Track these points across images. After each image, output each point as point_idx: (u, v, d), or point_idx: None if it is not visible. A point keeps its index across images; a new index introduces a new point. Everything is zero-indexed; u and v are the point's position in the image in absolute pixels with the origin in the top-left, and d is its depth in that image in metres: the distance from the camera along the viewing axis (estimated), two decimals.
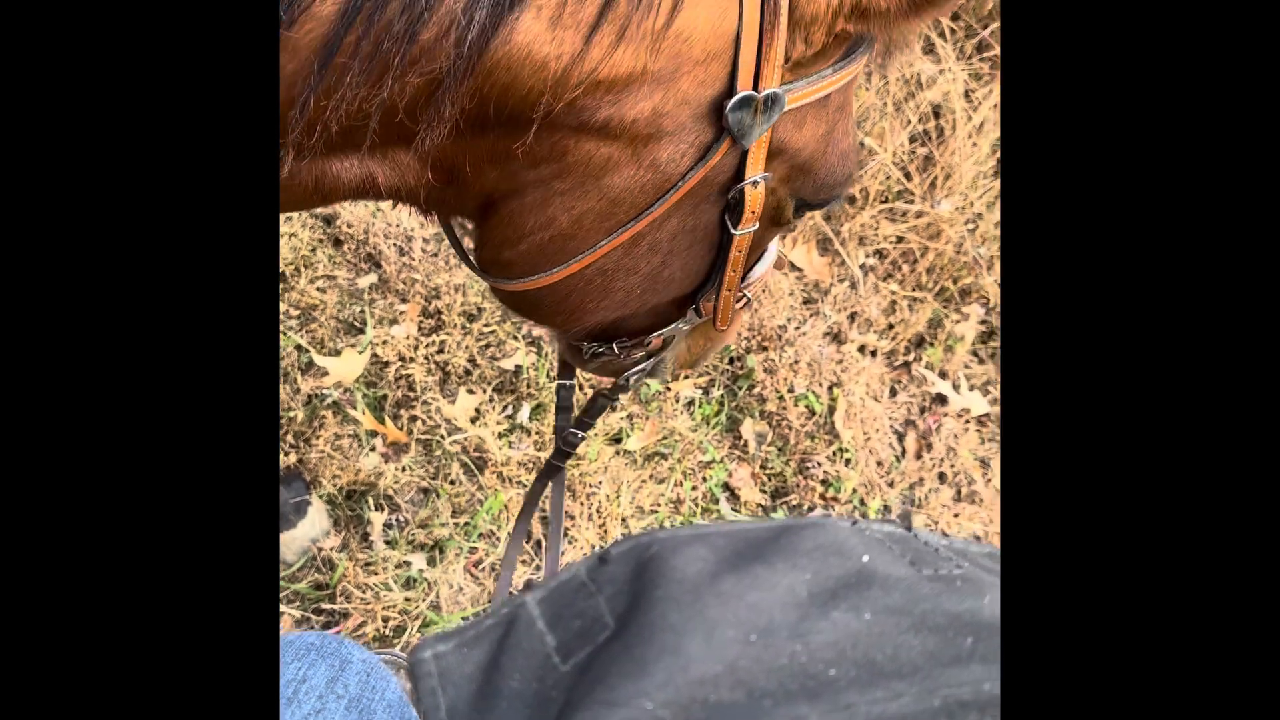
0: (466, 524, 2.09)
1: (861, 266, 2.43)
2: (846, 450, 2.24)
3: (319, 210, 2.34)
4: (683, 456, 2.19)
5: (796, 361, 2.31)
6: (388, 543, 2.07)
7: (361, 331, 2.26)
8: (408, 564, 2.04)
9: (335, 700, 0.78)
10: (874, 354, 2.37)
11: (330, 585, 2.01)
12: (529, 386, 2.22)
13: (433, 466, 2.14)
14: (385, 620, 1.99)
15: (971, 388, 2.36)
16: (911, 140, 2.47)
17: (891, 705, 0.34)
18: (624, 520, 2.11)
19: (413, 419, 2.18)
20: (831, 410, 2.27)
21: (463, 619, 2.00)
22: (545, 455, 2.16)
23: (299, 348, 2.21)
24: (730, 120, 0.76)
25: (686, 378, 2.23)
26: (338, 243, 2.36)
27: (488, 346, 2.26)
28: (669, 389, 2.25)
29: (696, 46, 0.72)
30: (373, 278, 2.33)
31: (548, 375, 2.22)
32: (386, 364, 2.23)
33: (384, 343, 2.24)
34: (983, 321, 2.43)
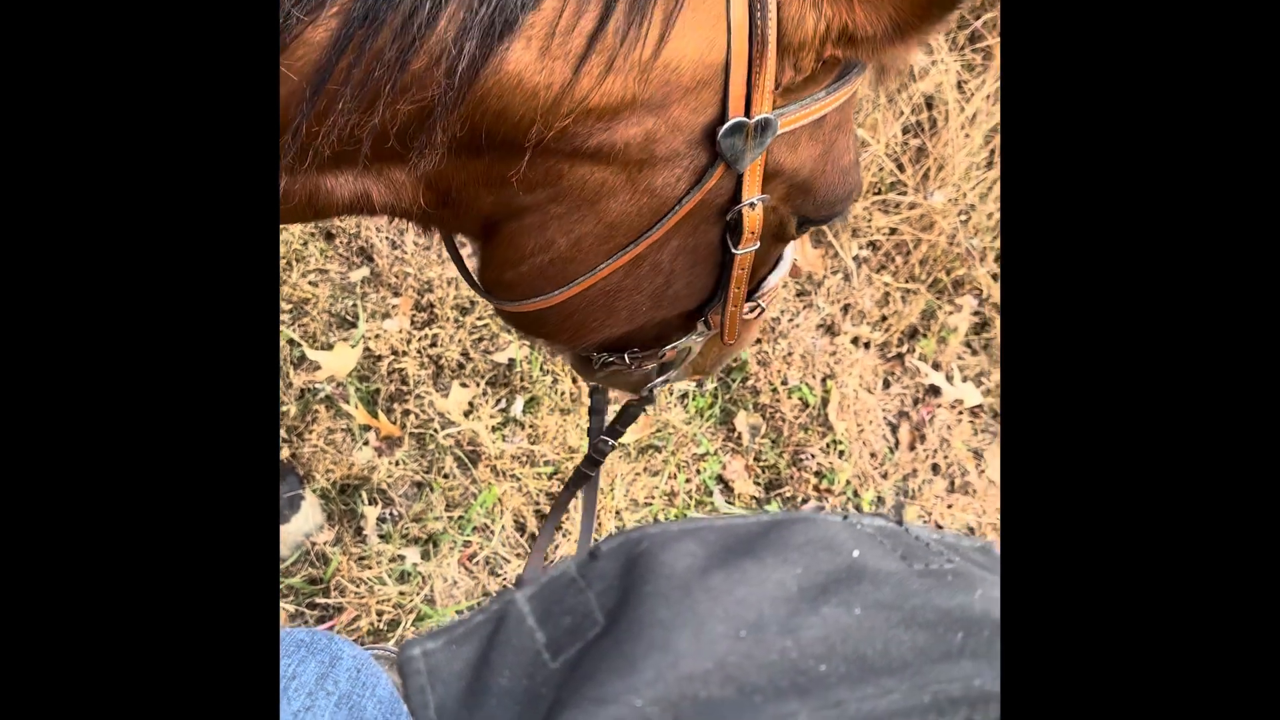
0: (460, 518, 2.09)
1: (855, 258, 2.43)
2: (840, 442, 2.24)
3: None
4: (677, 449, 2.19)
5: (790, 354, 2.31)
6: (381, 537, 2.06)
7: (354, 325, 2.25)
8: (402, 558, 2.04)
9: (325, 697, 0.77)
10: (867, 346, 2.37)
11: (324, 579, 2.01)
12: (522, 380, 2.22)
13: (426, 460, 2.14)
14: (379, 614, 1.99)
15: (965, 379, 2.36)
16: (904, 131, 2.47)
17: (881, 701, 0.34)
18: (618, 513, 2.11)
19: (406, 413, 2.17)
20: (825, 402, 2.27)
21: (457, 612, 2.00)
22: (539, 449, 2.16)
23: (291, 342, 2.21)
24: (723, 146, 0.76)
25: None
26: (329, 236, 2.35)
27: (481, 340, 2.25)
28: None
29: (685, 75, 0.72)
30: (365, 271, 2.33)
31: (540, 368, 2.22)
32: (379, 358, 2.22)
33: (376, 336, 2.24)
34: (976, 313, 2.43)
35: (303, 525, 2.01)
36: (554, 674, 0.42)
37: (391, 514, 2.10)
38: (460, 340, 2.23)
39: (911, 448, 2.27)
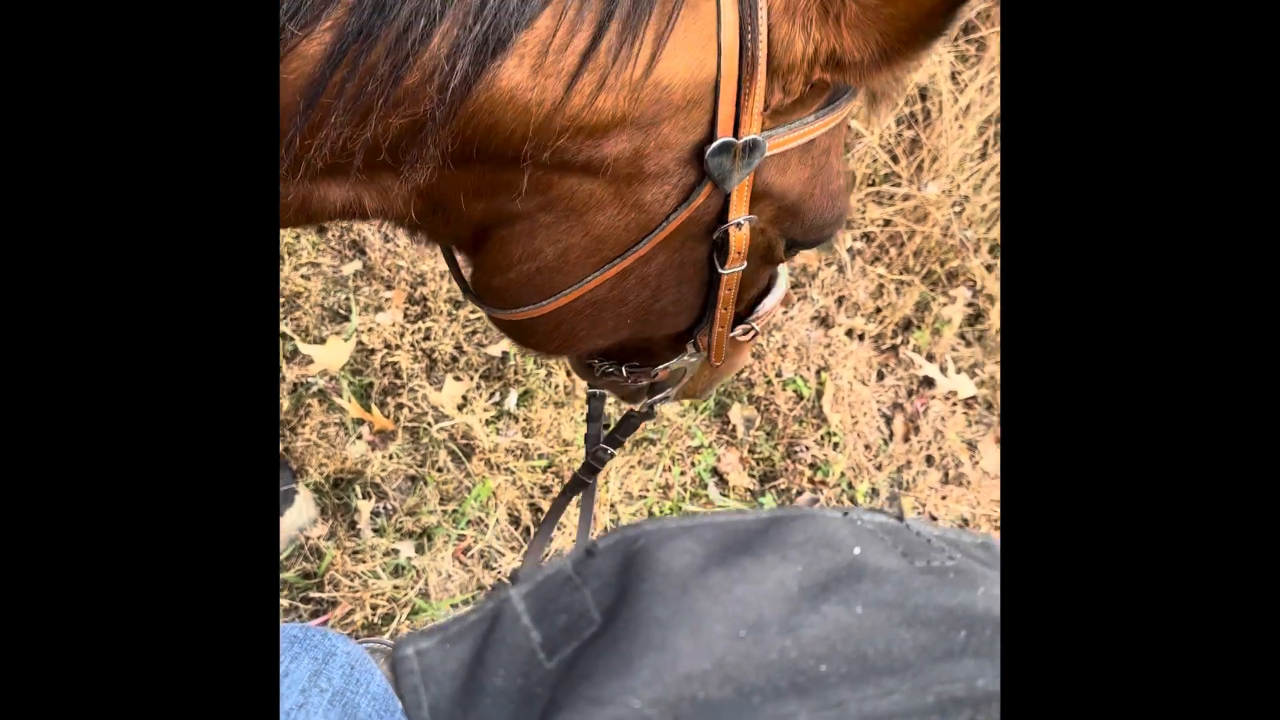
0: (455, 511, 2.08)
1: (849, 250, 2.42)
2: (834, 434, 2.23)
3: None
4: (671, 442, 2.19)
5: (784, 346, 2.30)
6: (375, 531, 2.06)
7: (346, 319, 2.24)
8: (396, 552, 2.03)
9: (319, 694, 0.77)
10: (861, 338, 2.36)
11: (318, 574, 2.00)
12: (516, 373, 2.21)
13: (420, 454, 2.13)
14: (374, 608, 1.99)
15: (959, 370, 2.36)
16: (898, 123, 2.46)
17: (883, 702, 0.33)
18: (612, 506, 2.11)
19: (399, 406, 2.16)
20: (819, 394, 2.27)
21: (452, 606, 2.00)
22: (533, 443, 2.15)
23: (283, 335, 2.20)
24: (710, 165, 0.77)
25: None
26: (321, 230, 2.34)
27: (474, 333, 2.24)
28: None
29: (676, 94, 0.73)
30: (357, 265, 2.32)
31: (535, 362, 2.21)
32: (372, 351, 2.21)
33: (369, 330, 2.23)
34: (970, 304, 2.43)
35: (296, 520, 2.00)
36: (549, 673, 0.41)
37: (385, 508, 2.10)
38: (454, 334, 2.22)
39: (906, 439, 2.27)
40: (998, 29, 2.45)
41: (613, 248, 0.84)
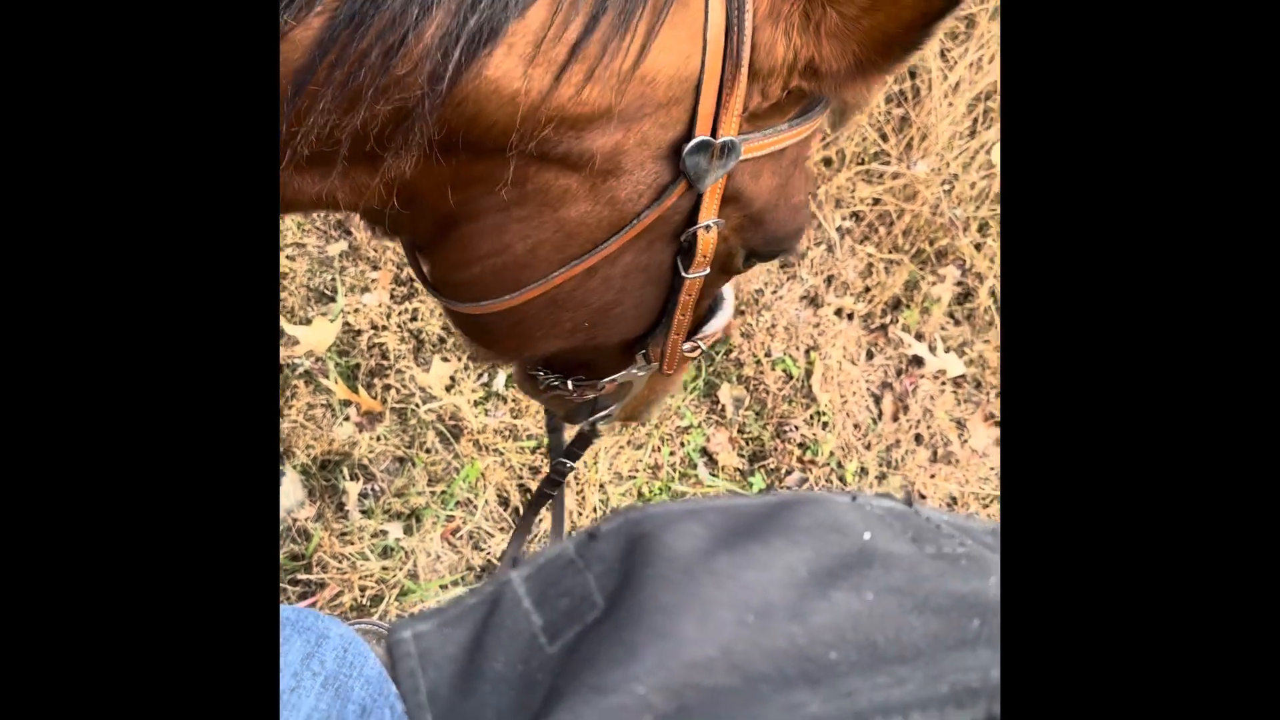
0: (443, 492, 2.07)
1: (838, 229, 2.42)
2: (824, 413, 2.23)
3: None
4: (660, 422, 2.18)
5: (773, 326, 2.30)
6: (363, 512, 2.05)
7: (332, 300, 2.23)
8: (384, 533, 2.03)
9: (311, 678, 0.76)
10: (851, 317, 2.36)
11: (306, 555, 1.99)
12: None
13: (408, 435, 2.12)
14: (362, 590, 1.98)
15: (948, 349, 2.36)
16: (887, 101, 2.45)
17: (895, 691, 0.32)
18: (601, 486, 2.10)
19: (386, 388, 2.15)
20: (809, 374, 2.27)
21: (440, 587, 1.99)
22: (521, 423, 2.15)
23: None
24: (687, 163, 0.77)
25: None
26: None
27: None
28: None
29: (660, 89, 0.73)
30: (343, 245, 2.30)
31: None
32: (359, 332, 2.20)
33: (356, 311, 2.21)
34: (959, 283, 2.42)
35: (284, 502, 1.99)
36: (551, 659, 0.40)
37: (373, 489, 2.09)
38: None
39: (895, 418, 2.27)
40: (987, 6, 2.43)
41: (582, 244, 0.83)
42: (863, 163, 2.44)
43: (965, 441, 2.26)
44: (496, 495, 2.10)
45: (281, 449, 2.05)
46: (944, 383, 2.32)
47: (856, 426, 2.25)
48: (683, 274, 0.89)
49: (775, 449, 2.20)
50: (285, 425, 2.07)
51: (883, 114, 2.45)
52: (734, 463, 2.18)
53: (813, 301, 2.36)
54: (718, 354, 2.28)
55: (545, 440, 2.13)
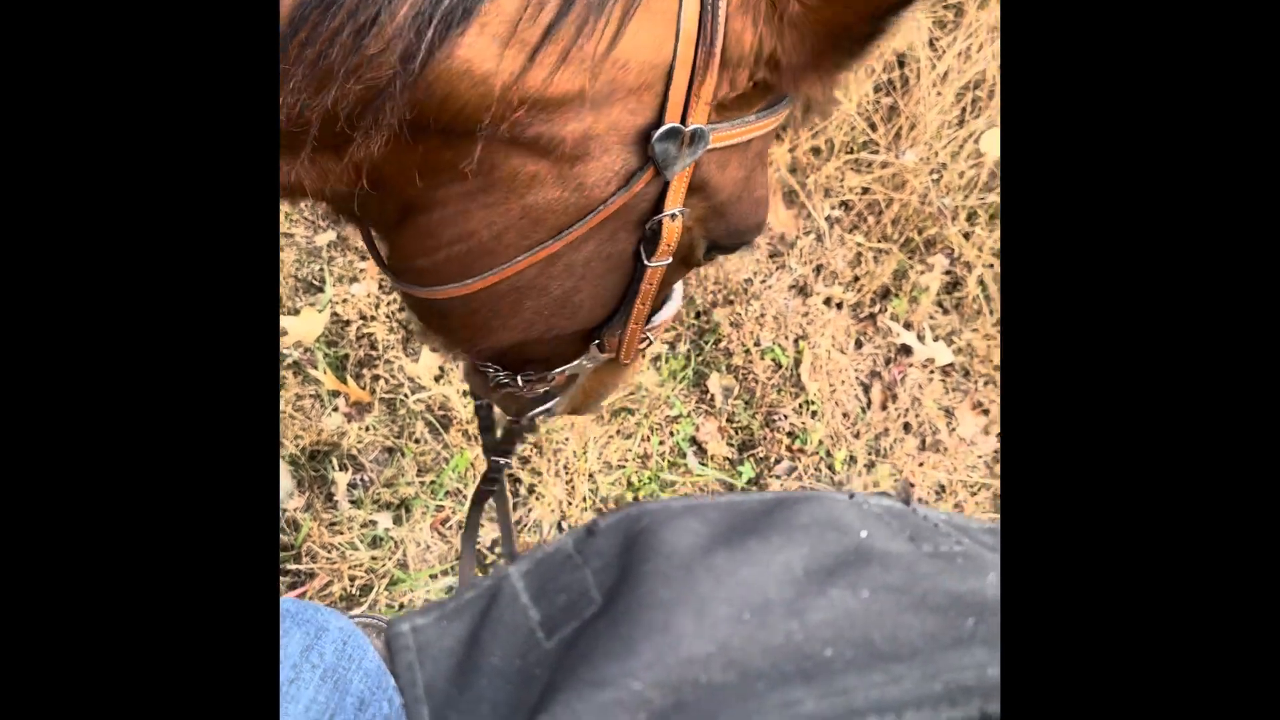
0: (432, 482, 2.07)
1: (827, 218, 2.42)
2: (813, 402, 2.24)
3: None
4: (650, 411, 2.18)
5: (763, 315, 2.30)
6: (353, 502, 2.05)
7: (321, 290, 2.22)
8: (373, 523, 2.03)
9: (310, 670, 0.76)
10: (840, 306, 2.36)
11: (295, 546, 1.99)
12: None
13: (397, 425, 2.12)
14: (352, 579, 1.98)
15: (936, 338, 2.36)
16: (876, 90, 2.45)
17: (891, 689, 0.33)
18: (591, 475, 2.10)
19: (375, 378, 2.15)
20: (798, 363, 2.27)
21: (430, 576, 1.99)
22: None
23: None
24: (655, 150, 0.77)
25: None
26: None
27: None
28: None
29: (632, 74, 0.73)
30: (331, 235, 2.29)
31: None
32: (347, 323, 2.19)
33: (344, 301, 2.20)
34: (947, 272, 2.43)
35: None
36: (548, 654, 0.40)
37: (362, 480, 2.08)
38: None
39: (883, 407, 2.28)
40: None
41: (548, 230, 0.83)
42: (851, 152, 2.44)
43: (953, 430, 2.27)
44: None
45: None
46: (932, 371, 2.32)
47: (845, 415, 2.25)
48: (645, 262, 0.89)
49: (764, 438, 2.20)
50: None
51: (871, 103, 2.45)
52: (723, 452, 2.19)
53: (802, 291, 2.36)
54: (707, 344, 2.28)
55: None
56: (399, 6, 0.63)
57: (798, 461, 2.19)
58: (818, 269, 2.38)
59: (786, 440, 2.20)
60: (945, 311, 2.42)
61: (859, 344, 2.34)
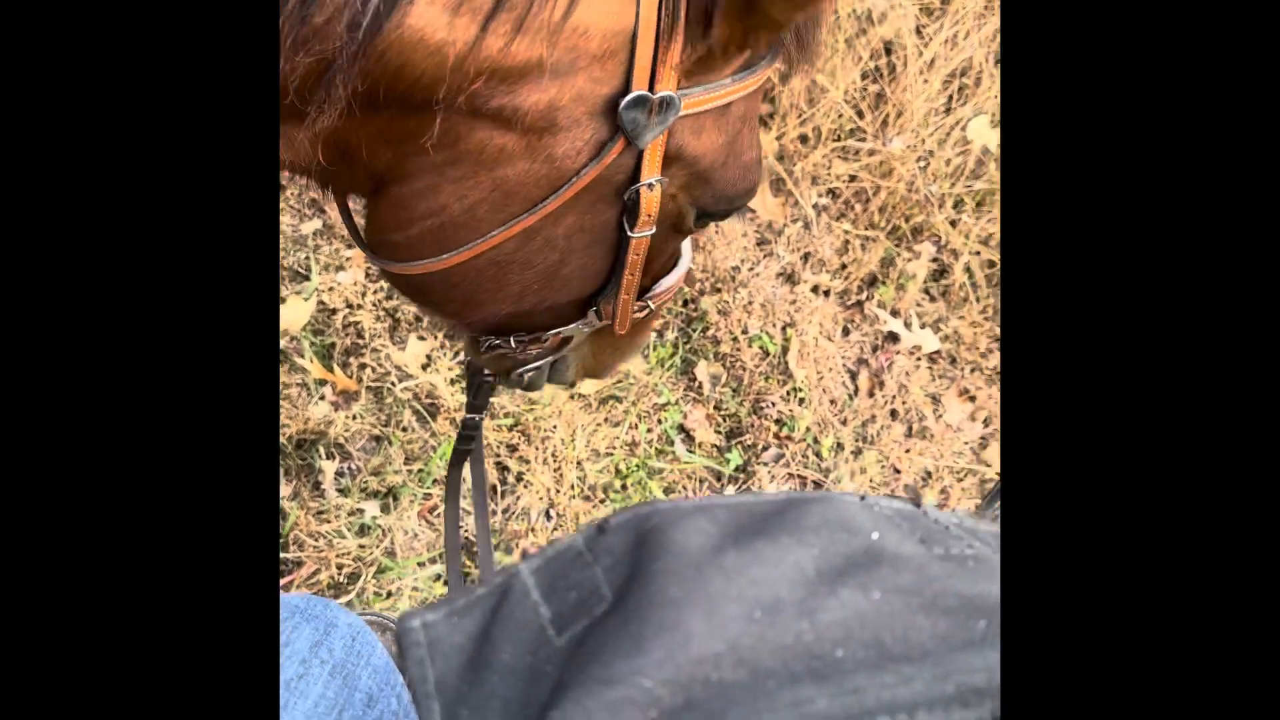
0: (420, 470, 2.07)
1: (815, 206, 2.42)
2: (800, 390, 2.24)
3: None
4: (637, 399, 2.18)
5: (750, 303, 2.30)
6: (340, 491, 2.04)
7: (307, 278, 2.21)
8: (361, 511, 2.02)
9: (319, 665, 0.76)
10: (827, 294, 2.37)
11: (283, 534, 1.99)
12: None
13: (384, 414, 2.12)
14: (339, 568, 1.98)
15: (923, 325, 2.37)
16: (863, 77, 2.45)
17: (902, 690, 0.33)
18: (579, 463, 2.10)
19: (362, 366, 2.14)
20: (785, 350, 2.27)
21: (418, 564, 1.99)
22: (497, 401, 2.14)
23: None
24: (624, 119, 0.75)
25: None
26: (280, 188, 2.30)
27: None
28: None
29: (594, 42, 0.71)
30: (317, 224, 2.27)
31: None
32: (334, 311, 2.18)
33: (330, 289, 2.19)
34: (934, 259, 2.44)
35: None
36: (559, 651, 0.40)
37: (350, 468, 2.08)
38: None
39: (870, 394, 2.29)
40: None
41: (521, 203, 0.81)
42: (839, 139, 2.44)
43: (940, 416, 2.28)
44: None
45: None
46: (919, 358, 2.33)
47: (833, 402, 2.26)
48: (628, 233, 0.87)
49: (752, 425, 2.21)
50: None
51: (858, 90, 2.45)
52: (711, 439, 2.19)
53: (789, 278, 2.36)
54: (694, 331, 2.28)
55: (521, 418, 2.13)
56: None
57: (785, 449, 2.20)
58: (805, 257, 2.38)
59: (774, 427, 2.21)
60: (932, 299, 2.43)
61: (846, 331, 2.35)
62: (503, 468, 2.10)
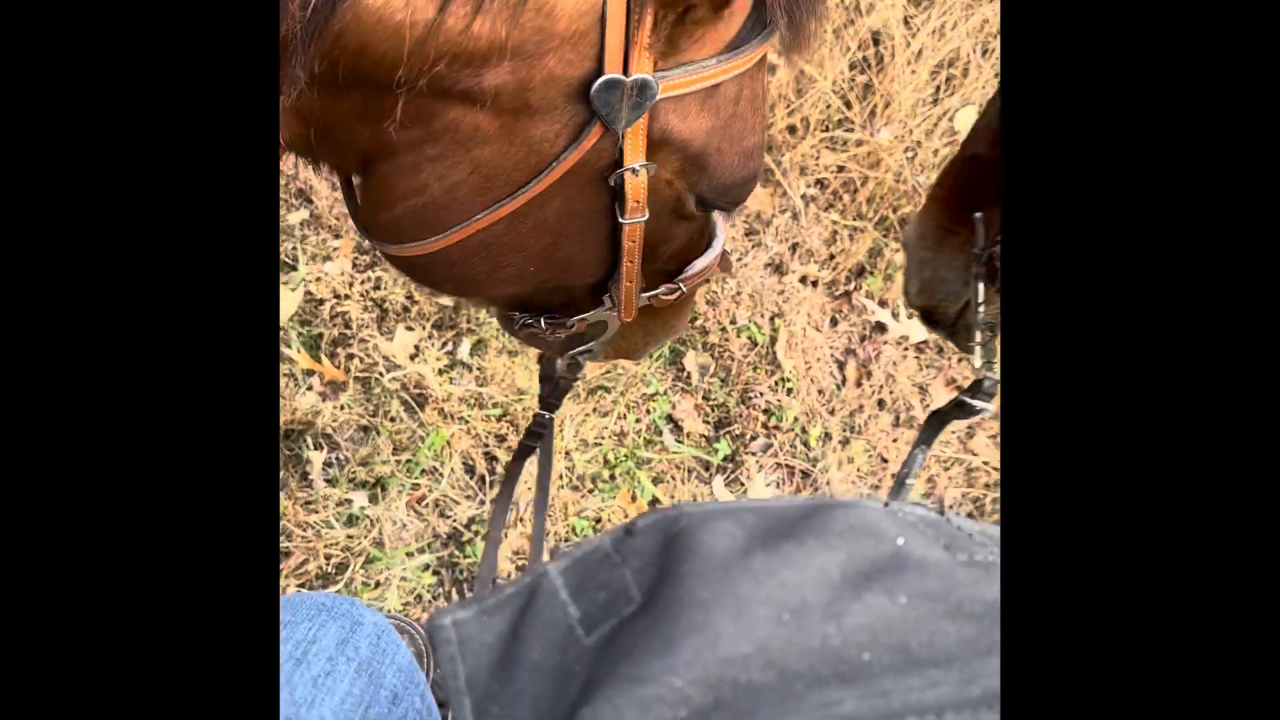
0: (408, 461, 2.07)
1: (803, 197, 2.43)
2: (788, 380, 2.25)
3: None
4: (626, 389, 2.19)
5: (738, 293, 2.31)
6: (328, 481, 2.04)
7: (294, 269, 2.20)
8: (349, 502, 2.02)
9: (346, 663, 0.76)
10: (815, 284, 2.38)
11: None
12: (469, 322, 2.19)
13: (372, 404, 2.11)
14: (328, 558, 1.98)
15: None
16: (851, 68, 2.46)
17: (929, 693, 0.34)
18: (567, 453, 2.11)
19: (350, 357, 2.14)
20: (773, 341, 2.28)
21: (406, 554, 1.99)
22: (486, 391, 2.14)
23: None
24: (597, 103, 0.73)
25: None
26: (279, 174, 2.28)
27: None
28: None
29: (560, 23, 0.69)
30: (304, 214, 2.27)
31: (488, 310, 2.19)
32: (321, 301, 2.18)
33: (318, 279, 2.19)
34: None
35: None
36: (588, 650, 0.41)
37: (338, 458, 2.08)
38: (405, 283, 2.19)
39: (858, 384, 2.30)
40: None
41: (503, 186, 0.80)
42: (827, 130, 2.45)
43: (927, 406, 2.29)
44: (462, 463, 2.10)
45: None
46: (906, 349, 2.35)
47: (821, 392, 2.27)
48: (620, 219, 0.85)
49: (740, 415, 2.22)
50: None
51: (846, 81, 2.46)
52: (699, 429, 2.20)
53: (777, 269, 2.37)
54: None
55: (509, 408, 2.13)
56: None
57: (773, 438, 2.21)
58: (793, 247, 2.39)
59: (762, 417, 2.22)
60: None
61: (834, 322, 2.36)
62: (491, 457, 2.11)
